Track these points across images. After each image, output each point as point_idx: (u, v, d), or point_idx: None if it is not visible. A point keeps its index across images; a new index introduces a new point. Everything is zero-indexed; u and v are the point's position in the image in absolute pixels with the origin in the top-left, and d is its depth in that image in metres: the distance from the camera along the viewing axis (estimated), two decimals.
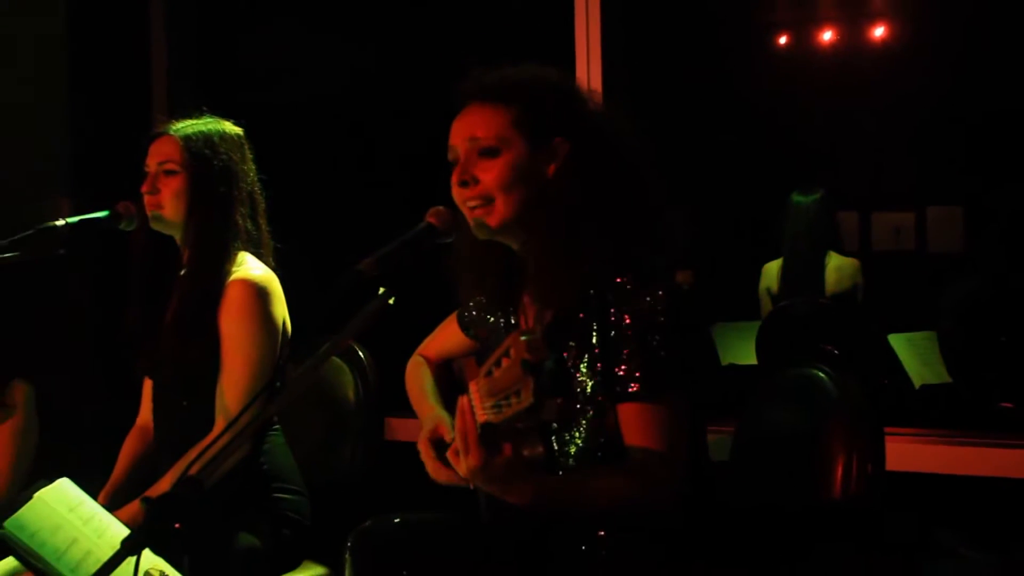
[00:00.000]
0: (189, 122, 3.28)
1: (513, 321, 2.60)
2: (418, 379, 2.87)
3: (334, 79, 4.99)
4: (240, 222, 3.24)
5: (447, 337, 2.88)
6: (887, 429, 2.54)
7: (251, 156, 3.32)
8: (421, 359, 2.93)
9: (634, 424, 2.35)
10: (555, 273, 2.42)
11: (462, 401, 2.19)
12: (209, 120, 3.30)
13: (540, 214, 2.43)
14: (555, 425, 2.42)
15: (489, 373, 2.10)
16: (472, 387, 2.15)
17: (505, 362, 2.06)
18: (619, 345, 2.35)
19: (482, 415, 2.13)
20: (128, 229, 3.21)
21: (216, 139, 3.25)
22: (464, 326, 2.80)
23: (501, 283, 2.60)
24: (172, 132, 3.24)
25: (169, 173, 3.21)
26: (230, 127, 3.31)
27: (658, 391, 2.33)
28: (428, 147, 2.56)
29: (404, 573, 2.47)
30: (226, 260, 3.19)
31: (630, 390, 2.34)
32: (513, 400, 2.04)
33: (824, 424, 2.51)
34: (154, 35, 5.03)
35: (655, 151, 2.49)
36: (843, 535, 2.48)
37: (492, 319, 2.67)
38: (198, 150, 3.22)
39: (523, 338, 2.03)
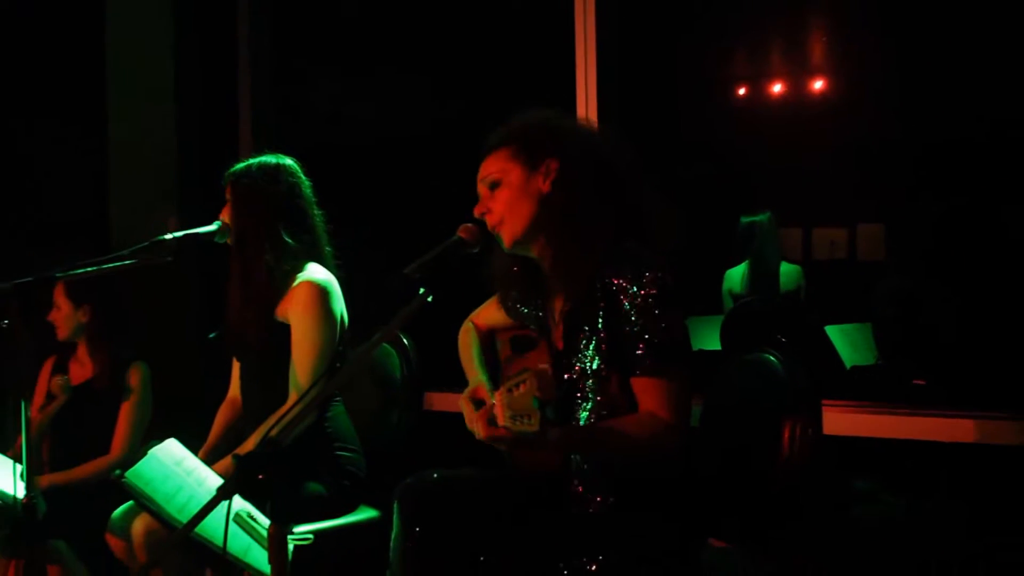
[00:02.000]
0: (244, 164, 3.25)
1: (541, 313, 2.60)
2: (467, 346, 2.84)
3: (387, 122, 5.00)
4: (283, 236, 3.17)
5: (492, 312, 2.84)
6: (824, 401, 2.54)
7: (296, 181, 3.25)
8: (471, 326, 2.89)
9: (643, 393, 2.34)
10: (565, 271, 2.43)
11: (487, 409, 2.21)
12: (264, 156, 3.26)
13: (545, 223, 2.44)
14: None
15: (510, 390, 2.13)
16: (497, 396, 2.17)
17: (523, 387, 2.11)
18: (624, 328, 2.34)
19: (502, 419, 2.15)
20: (222, 241, 3.21)
21: (255, 168, 3.22)
22: (505, 311, 2.77)
23: (527, 286, 2.61)
24: (228, 173, 3.23)
25: (228, 201, 3.22)
26: (271, 159, 3.25)
27: (662, 366, 2.32)
28: (461, 175, 2.57)
29: (442, 517, 2.46)
30: (261, 262, 3.15)
31: (639, 366, 2.33)
32: (524, 421, 2.10)
33: (774, 397, 2.50)
34: (240, 88, 5.03)
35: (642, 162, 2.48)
36: (788, 486, 2.47)
37: (525, 310, 2.68)
38: (238, 178, 3.20)
39: (537, 378, 2.08)
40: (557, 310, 2.51)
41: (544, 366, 2.11)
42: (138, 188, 4.82)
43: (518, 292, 2.67)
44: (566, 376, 2.44)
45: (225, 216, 3.22)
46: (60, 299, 3.67)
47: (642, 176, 2.48)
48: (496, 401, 2.15)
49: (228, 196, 3.23)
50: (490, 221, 2.46)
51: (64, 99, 4.76)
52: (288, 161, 3.27)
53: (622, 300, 2.34)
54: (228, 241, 3.22)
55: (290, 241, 3.18)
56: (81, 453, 3.60)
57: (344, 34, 5.13)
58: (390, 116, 4.99)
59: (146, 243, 2.93)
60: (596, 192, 2.42)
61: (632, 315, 2.33)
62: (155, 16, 4.88)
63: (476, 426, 2.25)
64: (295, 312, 3.14)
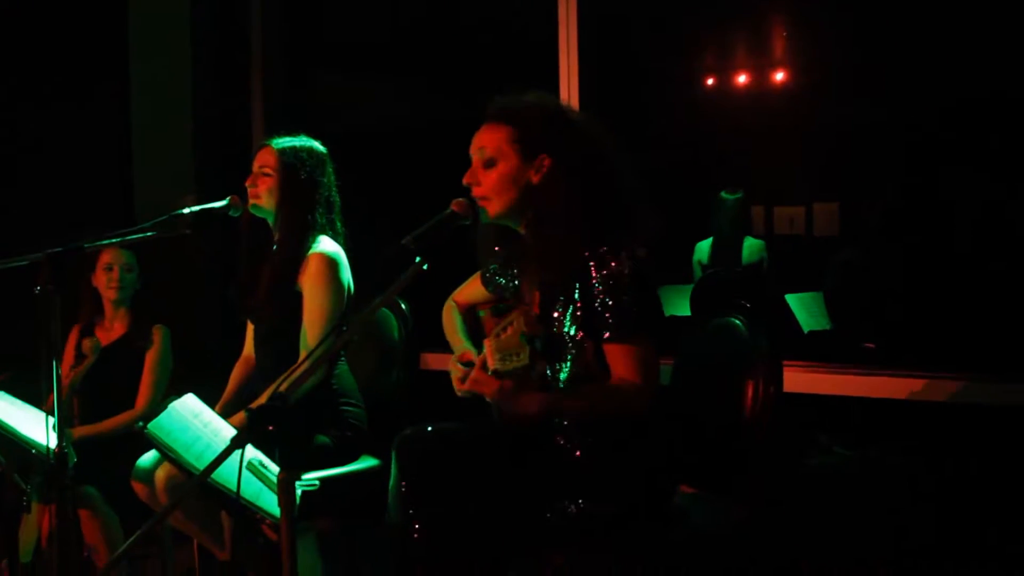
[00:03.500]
0: (288, 139, 3.23)
1: (517, 283, 2.56)
2: (451, 320, 2.82)
3: (386, 113, 4.98)
4: (317, 216, 3.19)
5: (472, 289, 2.83)
6: (784, 362, 2.51)
7: (331, 168, 3.26)
8: (453, 304, 2.86)
9: (613, 359, 2.32)
10: (543, 253, 2.39)
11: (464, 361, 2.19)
12: (303, 139, 3.25)
13: (527, 210, 2.41)
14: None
15: (498, 335, 2.11)
16: (486, 343, 2.14)
17: (510, 329, 2.09)
18: (597, 301, 2.31)
19: (492, 364, 2.14)
20: (235, 215, 3.16)
21: (304, 154, 3.20)
22: (484, 283, 2.76)
23: (508, 255, 2.58)
24: (272, 144, 3.20)
25: (265, 175, 3.18)
26: (317, 145, 3.26)
27: (630, 334, 2.30)
28: (453, 161, 2.54)
29: (434, 466, 2.43)
30: (305, 241, 3.15)
31: (608, 334, 2.31)
32: (515, 358, 2.10)
33: (740, 357, 2.48)
34: (253, 78, 4.98)
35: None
36: (752, 438, 2.45)
37: (503, 281, 2.64)
38: (288, 161, 3.17)
39: (523, 316, 2.07)
40: (535, 281, 2.48)
41: (528, 306, 2.08)
42: (159, 171, 4.80)
43: (497, 264, 2.64)
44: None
45: (258, 186, 3.16)
46: (129, 262, 3.65)
47: (627, 168, 2.44)
48: (486, 347, 2.13)
49: (264, 165, 3.17)
50: (476, 192, 2.41)
51: (90, 90, 4.74)
52: (325, 149, 3.26)
53: (596, 274, 2.31)
54: (239, 214, 3.17)
55: (322, 222, 3.19)
56: (108, 408, 3.59)
57: (349, 31, 5.09)
58: (388, 108, 4.97)
59: (165, 217, 2.88)
60: (581, 185, 2.37)
61: (604, 286, 2.30)
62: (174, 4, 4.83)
63: (464, 383, 2.25)
64: (308, 281, 3.12)
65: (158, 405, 3.51)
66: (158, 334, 3.68)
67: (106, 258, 3.64)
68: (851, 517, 3.28)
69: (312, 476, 2.92)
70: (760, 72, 4.73)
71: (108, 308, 3.71)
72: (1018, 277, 3.57)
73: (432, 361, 3.83)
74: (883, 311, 4.00)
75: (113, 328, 3.71)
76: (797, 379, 3.37)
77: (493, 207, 2.41)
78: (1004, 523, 3.04)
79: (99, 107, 4.79)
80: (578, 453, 2.41)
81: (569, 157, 2.38)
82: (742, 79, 4.76)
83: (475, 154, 2.44)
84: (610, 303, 2.30)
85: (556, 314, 2.39)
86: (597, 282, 2.31)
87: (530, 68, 4.30)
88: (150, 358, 3.65)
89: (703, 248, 4.94)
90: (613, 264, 2.30)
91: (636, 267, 2.31)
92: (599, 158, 2.41)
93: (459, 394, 2.47)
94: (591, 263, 2.32)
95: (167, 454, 2.62)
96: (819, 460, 3.48)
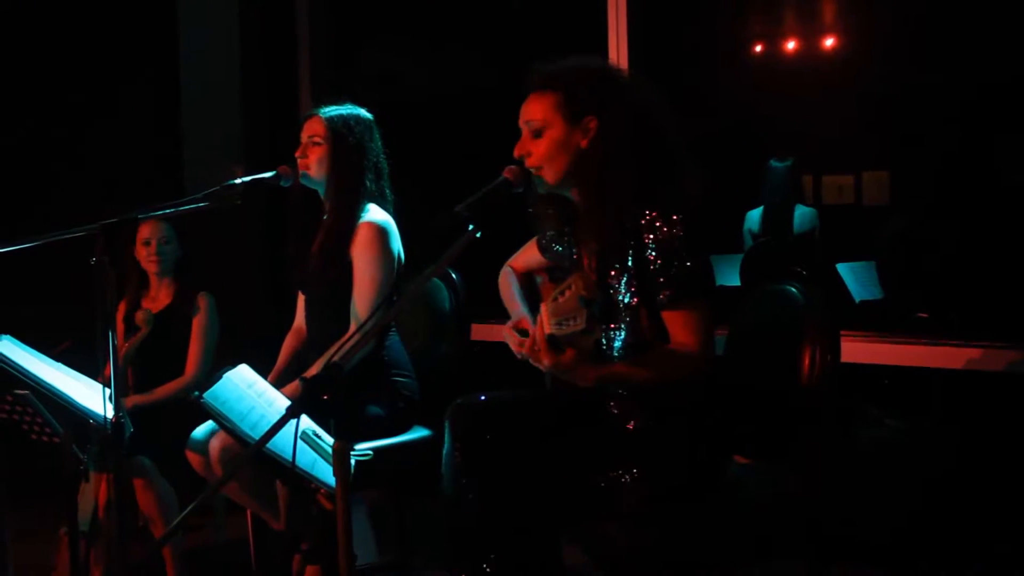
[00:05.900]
0: (335, 108, 3.21)
1: (574, 250, 2.53)
2: (507, 286, 2.78)
3: (434, 83, 4.95)
4: (367, 183, 3.17)
5: (529, 255, 2.79)
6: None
7: (378, 135, 3.24)
8: (510, 269, 2.83)
9: (671, 324, 2.29)
10: (596, 216, 2.35)
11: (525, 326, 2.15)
12: (349, 107, 3.23)
13: (579, 174, 2.36)
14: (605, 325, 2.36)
15: (555, 299, 2.07)
16: (543, 307, 2.10)
17: (568, 293, 2.04)
18: (652, 267, 2.28)
19: (549, 329, 2.09)
20: (286, 185, 3.14)
21: (352, 121, 3.18)
22: (541, 250, 2.72)
23: (562, 222, 2.54)
24: (320, 114, 3.18)
25: (315, 144, 3.16)
26: (364, 113, 3.24)
27: (686, 299, 2.26)
28: (501, 128, 2.50)
29: (488, 435, 2.40)
30: (356, 209, 3.13)
31: (665, 300, 2.27)
32: (571, 323, 2.04)
33: (795, 325, 2.42)
34: (301, 50, 4.97)
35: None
36: (807, 408, 2.40)
37: (559, 248, 2.61)
38: (337, 129, 3.15)
39: (581, 279, 2.02)
40: (590, 248, 2.44)
41: (586, 271, 2.04)
42: (210, 143, 4.81)
43: (554, 231, 2.60)
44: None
45: (308, 156, 3.14)
46: (166, 234, 3.67)
47: (675, 127, 2.38)
48: (542, 311, 2.10)
49: (314, 134, 3.15)
50: (530, 163, 2.38)
51: (140, 63, 4.75)
52: (371, 116, 3.24)
53: (650, 238, 2.28)
54: (290, 184, 3.15)
55: (372, 188, 3.17)
56: (160, 377, 3.61)
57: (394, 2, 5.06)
58: (437, 77, 4.94)
59: (217, 188, 2.86)
60: (631, 146, 2.32)
61: (658, 251, 2.27)
62: None
63: (522, 347, 2.20)
64: (358, 250, 3.10)
65: (207, 371, 3.56)
66: (203, 301, 3.69)
67: (144, 232, 3.65)
68: (903, 489, 3.23)
69: (366, 446, 2.90)
70: (809, 38, 4.64)
71: (153, 280, 3.73)
72: None
73: (483, 332, 3.80)
74: (936, 281, 3.93)
75: (159, 299, 3.72)
76: (850, 349, 3.29)
77: (548, 176, 2.38)
78: None
79: (149, 81, 4.81)
80: (632, 423, 2.37)
81: (616, 117, 2.34)
82: (791, 45, 4.68)
83: (523, 126, 2.41)
84: (664, 269, 2.26)
85: (611, 281, 2.35)
86: (651, 249, 2.27)
87: (578, 35, 4.25)
88: (197, 325, 3.67)
89: (753, 217, 4.88)
90: (665, 229, 2.26)
91: (688, 230, 2.27)
92: (646, 116, 2.36)
93: (518, 356, 2.44)
94: (643, 229, 2.28)
95: (222, 424, 2.61)
96: (870, 431, 3.42)
